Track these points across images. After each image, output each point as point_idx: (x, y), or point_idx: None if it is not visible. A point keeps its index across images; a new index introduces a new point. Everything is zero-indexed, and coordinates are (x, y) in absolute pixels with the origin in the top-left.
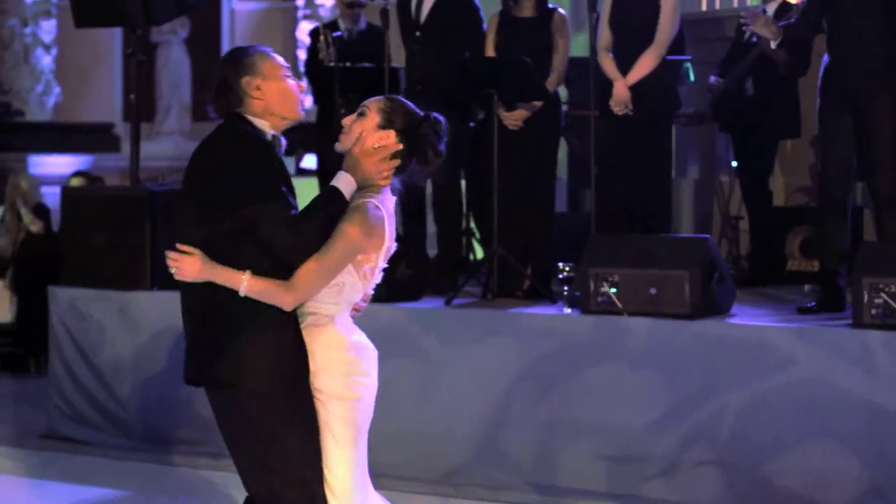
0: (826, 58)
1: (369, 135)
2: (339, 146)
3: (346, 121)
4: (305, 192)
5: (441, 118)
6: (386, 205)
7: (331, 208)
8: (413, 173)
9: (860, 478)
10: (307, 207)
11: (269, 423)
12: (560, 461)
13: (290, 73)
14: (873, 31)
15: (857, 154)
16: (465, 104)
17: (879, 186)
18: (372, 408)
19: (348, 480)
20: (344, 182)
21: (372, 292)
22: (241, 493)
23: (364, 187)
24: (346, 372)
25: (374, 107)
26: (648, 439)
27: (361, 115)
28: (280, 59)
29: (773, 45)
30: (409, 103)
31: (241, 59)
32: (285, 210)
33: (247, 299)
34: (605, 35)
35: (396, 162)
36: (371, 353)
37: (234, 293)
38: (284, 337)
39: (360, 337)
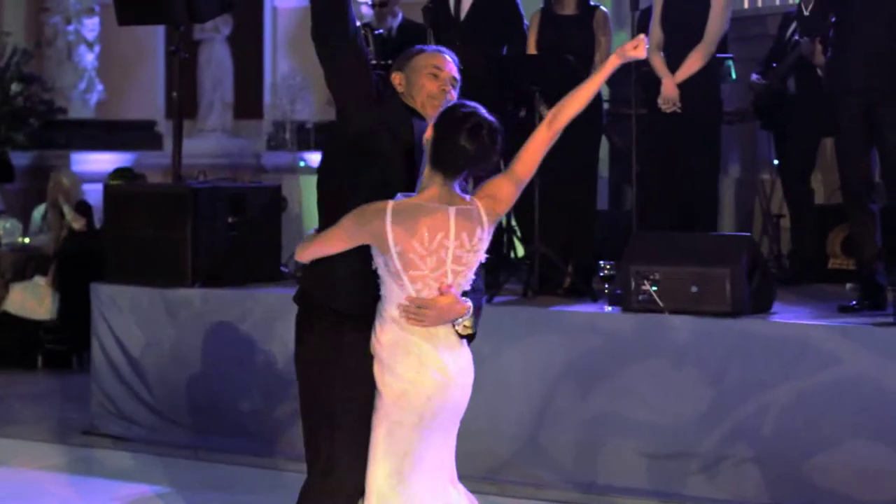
0: (829, 53)
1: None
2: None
3: None
4: None
5: (478, 109)
6: (409, 203)
7: None
8: (459, 163)
9: None
10: None
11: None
12: (601, 458)
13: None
14: (881, 31)
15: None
16: (505, 101)
17: None
18: (400, 409)
19: (370, 468)
20: None
21: (426, 296)
22: (284, 490)
23: None
24: (378, 367)
25: None
26: (690, 437)
27: None
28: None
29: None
30: (463, 102)
31: None
32: None
33: None
34: (655, 34)
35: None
36: (406, 355)
37: None
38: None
39: (403, 338)
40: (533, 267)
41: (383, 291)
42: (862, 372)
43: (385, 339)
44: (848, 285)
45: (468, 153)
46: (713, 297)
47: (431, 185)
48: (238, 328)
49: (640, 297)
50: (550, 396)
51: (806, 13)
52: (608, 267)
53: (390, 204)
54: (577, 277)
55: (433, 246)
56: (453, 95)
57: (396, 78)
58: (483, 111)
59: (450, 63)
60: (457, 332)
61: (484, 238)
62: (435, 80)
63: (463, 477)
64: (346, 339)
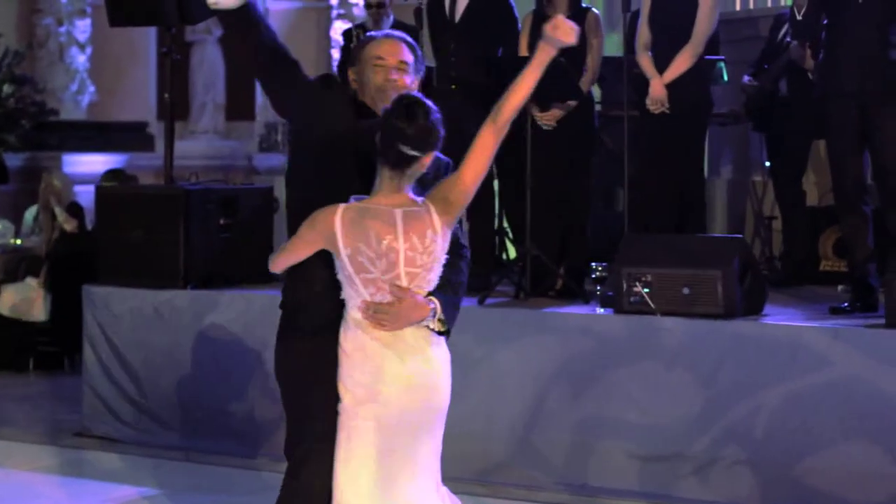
0: (821, 56)
1: None
2: None
3: None
4: None
5: (418, 95)
6: (359, 206)
7: None
8: (397, 146)
9: (894, 477)
10: None
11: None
12: (593, 460)
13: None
14: (873, 33)
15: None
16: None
17: (890, 187)
18: (358, 415)
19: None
20: None
21: (381, 300)
22: (274, 492)
23: None
24: (340, 372)
25: None
26: (682, 439)
27: None
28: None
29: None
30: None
31: None
32: None
33: None
34: (644, 34)
35: None
36: (365, 361)
37: None
38: None
39: (364, 343)
40: (525, 269)
41: (343, 296)
42: (854, 374)
43: (347, 344)
44: (840, 287)
45: (405, 134)
46: (705, 299)
47: (382, 187)
48: (230, 330)
49: (632, 299)
50: (542, 398)
51: (799, 17)
52: (600, 269)
53: (341, 207)
54: (569, 279)
55: (382, 249)
56: (405, 81)
57: (351, 75)
58: (422, 97)
59: (397, 47)
60: (432, 329)
61: (438, 240)
62: (380, 70)
63: (455, 478)
64: (319, 347)
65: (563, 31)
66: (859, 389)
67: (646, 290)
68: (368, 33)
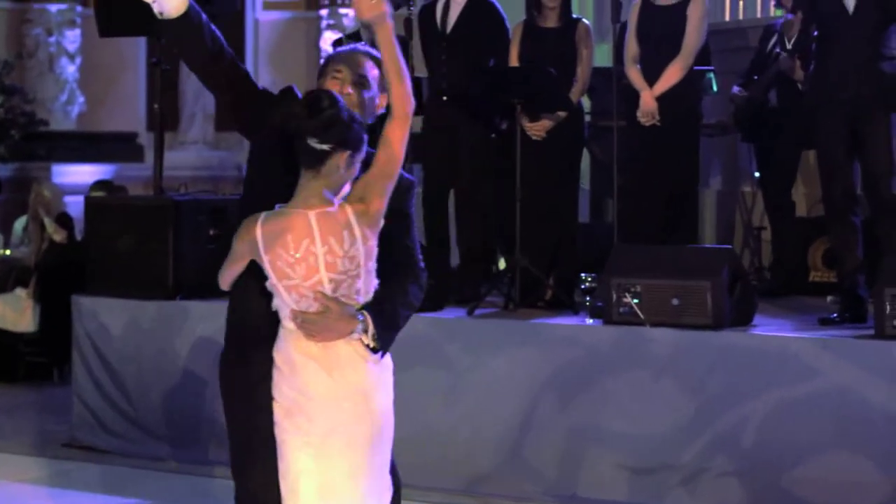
0: (812, 66)
1: None
2: None
3: None
4: None
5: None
6: (277, 211)
7: None
8: (304, 138)
9: (883, 488)
10: None
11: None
12: (582, 471)
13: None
14: (863, 44)
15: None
16: (488, 113)
17: (880, 198)
18: (285, 429)
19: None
20: None
21: (306, 308)
22: None
23: None
24: (273, 384)
25: None
26: (671, 449)
27: None
28: None
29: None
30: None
31: None
32: None
33: None
34: (632, 47)
35: None
36: (293, 374)
37: None
38: None
39: (293, 356)
40: (514, 279)
41: (274, 306)
42: (843, 384)
43: (278, 357)
44: (829, 298)
45: (308, 125)
46: (694, 310)
47: (300, 190)
48: (219, 341)
49: (622, 310)
50: (531, 409)
51: (789, 46)
52: (589, 279)
53: (262, 215)
54: (558, 290)
55: (300, 253)
56: (363, 96)
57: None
58: (331, 92)
59: (359, 61)
60: (366, 345)
61: (358, 244)
62: (335, 82)
63: (443, 489)
64: (258, 361)
65: (373, 7)
66: (848, 400)
67: (635, 300)
68: (336, 49)
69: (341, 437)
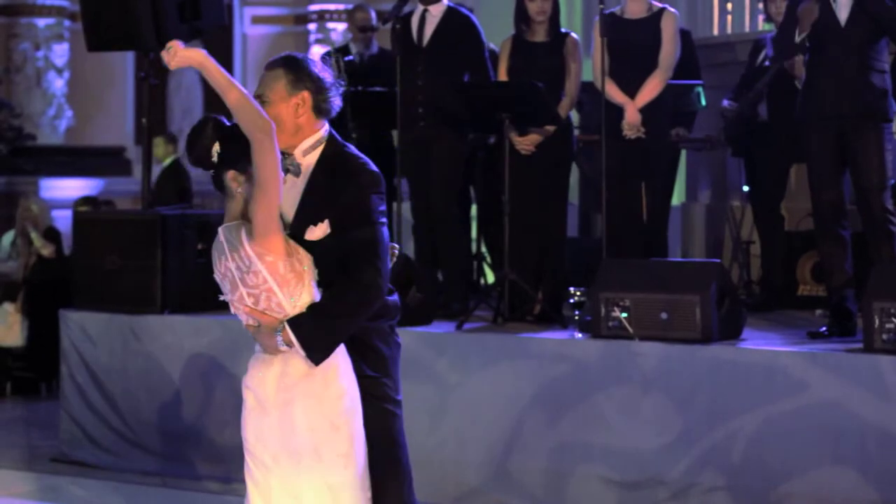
0: (804, 77)
1: None
2: None
3: None
4: None
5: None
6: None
7: None
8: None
9: (871, 502)
10: None
11: None
12: (570, 485)
13: None
14: (853, 58)
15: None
16: (468, 126)
17: (871, 212)
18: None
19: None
20: None
21: (245, 323)
22: None
23: None
24: None
25: None
26: (659, 464)
27: None
28: None
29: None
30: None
31: None
32: None
33: None
34: (599, 60)
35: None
36: (245, 389)
37: None
38: None
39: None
40: (503, 293)
41: None
42: (832, 398)
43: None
44: (818, 312)
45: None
46: (683, 324)
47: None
48: (207, 355)
49: (610, 324)
50: (520, 424)
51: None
52: (578, 293)
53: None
54: (547, 304)
55: (221, 268)
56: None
57: None
58: (213, 117)
59: (261, 78)
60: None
61: (253, 259)
62: None
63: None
64: None
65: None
66: (837, 414)
67: (624, 314)
68: None
69: (281, 460)
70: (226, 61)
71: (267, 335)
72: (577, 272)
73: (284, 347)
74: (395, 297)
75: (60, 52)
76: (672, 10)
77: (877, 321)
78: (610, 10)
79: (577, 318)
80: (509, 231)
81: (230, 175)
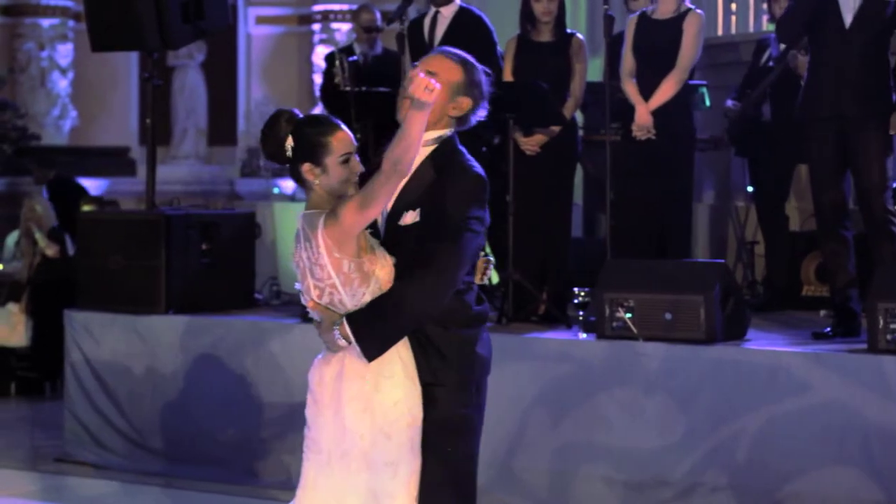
0: (806, 76)
1: None
2: None
3: None
4: None
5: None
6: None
7: None
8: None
9: (876, 502)
10: None
11: None
12: (575, 486)
13: None
14: (854, 58)
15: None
16: (478, 127)
17: (872, 212)
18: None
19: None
20: None
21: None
22: None
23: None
24: None
25: None
26: (663, 464)
27: None
28: None
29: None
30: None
31: None
32: None
33: None
34: (628, 61)
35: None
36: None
37: None
38: None
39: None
40: (507, 294)
41: None
42: (835, 399)
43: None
44: (822, 312)
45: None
46: (687, 324)
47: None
48: (211, 355)
49: (615, 324)
50: (524, 424)
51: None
52: (582, 294)
53: None
54: (551, 304)
55: (296, 256)
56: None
57: None
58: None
59: (439, 61)
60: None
61: (322, 253)
62: None
63: None
64: None
65: (414, 85)
66: (841, 414)
67: (628, 315)
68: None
69: (342, 458)
70: (230, 61)
71: (326, 330)
72: (582, 272)
73: (343, 342)
74: (484, 307)
75: (64, 53)
76: (698, 11)
77: (881, 322)
78: (642, 11)
79: (581, 318)
80: (514, 231)
81: (305, 168)
